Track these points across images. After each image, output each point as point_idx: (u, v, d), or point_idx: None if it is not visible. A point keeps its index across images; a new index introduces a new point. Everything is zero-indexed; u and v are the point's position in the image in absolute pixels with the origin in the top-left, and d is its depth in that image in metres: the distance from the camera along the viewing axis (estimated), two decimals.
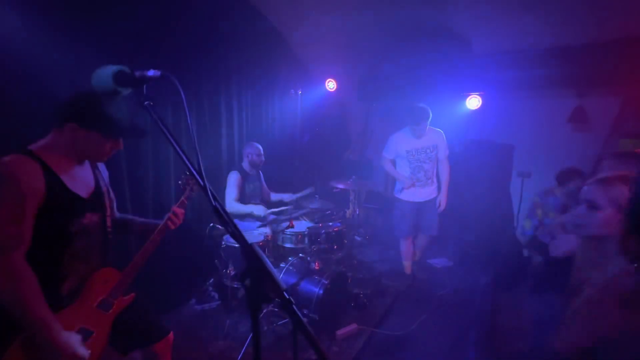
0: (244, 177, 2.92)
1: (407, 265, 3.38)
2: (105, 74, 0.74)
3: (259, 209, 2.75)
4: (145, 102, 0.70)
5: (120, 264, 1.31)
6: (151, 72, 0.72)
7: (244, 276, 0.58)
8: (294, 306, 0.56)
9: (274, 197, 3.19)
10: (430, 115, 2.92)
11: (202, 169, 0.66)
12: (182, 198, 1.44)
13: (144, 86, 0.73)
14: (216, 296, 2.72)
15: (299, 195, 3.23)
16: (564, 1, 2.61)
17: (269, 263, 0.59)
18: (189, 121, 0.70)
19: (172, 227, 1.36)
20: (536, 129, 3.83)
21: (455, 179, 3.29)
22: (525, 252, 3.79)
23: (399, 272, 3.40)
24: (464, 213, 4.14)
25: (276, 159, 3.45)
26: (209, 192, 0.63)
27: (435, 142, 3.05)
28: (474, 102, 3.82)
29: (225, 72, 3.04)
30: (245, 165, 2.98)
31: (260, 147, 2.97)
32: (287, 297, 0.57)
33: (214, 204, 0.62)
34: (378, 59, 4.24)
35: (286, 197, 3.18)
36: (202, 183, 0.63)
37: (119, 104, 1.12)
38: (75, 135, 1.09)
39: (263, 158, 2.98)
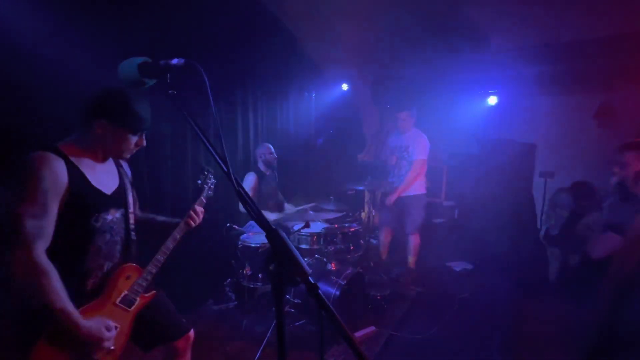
0: (261, 177, 2.95)
1: (382, 251, 3.52)
2: (130, 65, 0.76)
3: (272, 217, 2.75)
4: (170, 91, 0.71)
5: (142, 262, 1.33)
6: (175, 61, 0.73)
7: (268, 261, 0.57)
8: (319, 292, 0.54)
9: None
10: (408, 110, 3.15)
11: (227, 155, 0.65)
12: (202, 197, 1.45)
13: (168, 75, 0.74)
14: (233, 297, 2.72)
15: (299, 209, 3.12)
16: None
17: (293, 248, 0.57)
18: (212, 108, 0.70)
19: (193, 225, 1.37)
20: (559, 127, 3.69)
21: (474, 179, 3.21)
22: (549, 255, 3.63)
23: (417, 276, 3.31)
24: (484, 214, 4.01)
25: (290, 161, 3.47)
26: (232, 177, 0.62)
27: (408, 144, 3.20)
28: (492, 99, 3.73)
29: (241, 75, 3.09)
30: (261, 166, 3.01)
31: (271, 146, 3.00)
32: (313, 282, 0.55)
33: (237, 188, 0.61)
34: (392, 60, 4.22)
35: (287, 208, 3.13)
36: (225, 169, 0.63)
37: (145, 101, 1.15)
38: (104, 131, 1.12)
39: (275, 155, 3.00)
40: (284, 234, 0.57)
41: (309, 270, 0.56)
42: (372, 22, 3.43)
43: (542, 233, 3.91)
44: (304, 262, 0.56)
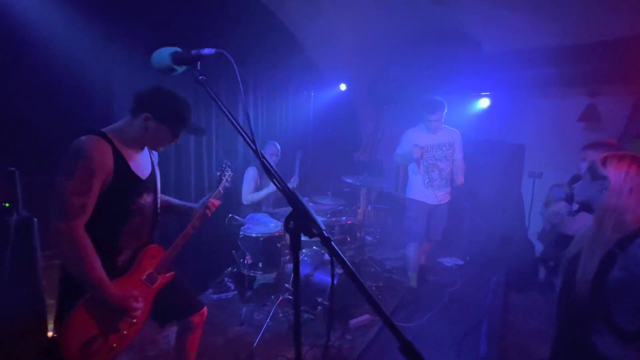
0: (262, 172, 3.05)
1: (412, 276, 3.06)
2: (163, 53, 0.85)
3: (271, 188, 2.90)
4: (200, 77, 0.81)
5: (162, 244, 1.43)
6: (206, 50, 0.82)
7: (288, 219, 0.67)
8: (332, 243, 0.64)
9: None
10: (446, 108, 2.73)
11: (254, 136, 0.75)
12: (219, 188, 1.55)
13: (198, 63, 0.84)
14: (232, 286, 2.81)
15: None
16: (573, 0, 2.68)
17: (311, 209, 0.67)
18: (242, 93, 0.80)
19: (209, 214, 1.49)
20: (546, 129, 3.86)
21: (465, 178, 3.33)
22: (538, 252, 3.79)
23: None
24: (475, 213, 4.17)
25: (289, 159, 3.56)
26: (260, 154, 0.72)
27: (452, 140, 2.84)
28: (484, 101, 3.88)
29: (243, 74, 3.18)
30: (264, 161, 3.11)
31: (277, 146, 3.10)
32: (327, 235, 0.65)
33: (262, 159, 0.71)
34: (388, 61, 4.36)
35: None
36: (253, 147, 0.73)
37: (189, 106, 1.25)
38: (146, 124, 1.21)
39: (277, 157, 3.10)
40: (301, 197, 0.67)
41: (324, 227, 0.66)
42: (369, 24, 3.56)
43: (529, 231, 4.08)
44: (319, 219, 0.66)
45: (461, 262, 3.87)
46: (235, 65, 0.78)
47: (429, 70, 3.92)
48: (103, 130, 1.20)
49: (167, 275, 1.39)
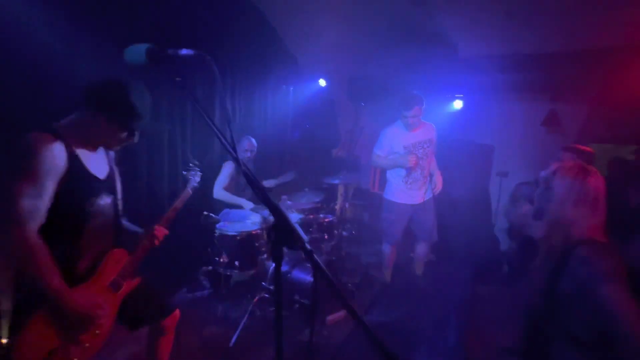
0: (239, 169, 2.98)
1: (387, 273, 3.13)
2: (138, 49, 0.80)
3: (248, 204, 2.80)
4: (178, 79, 0.77)
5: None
6: (184, 51, 0.78)
7: (271, 232, 0.66)
8: (314, 255, 0.64)
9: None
10: (418, 105, 2.63)
11: (235, 142, 0.73)
12: (188, 189, 1.51)
13: (174, 63, 0.79)
14: (208, 285, 2.75)
15: (280, 180, 3.19)
16: (541, 11, 2.82)
17: (292, 220, 0.67)
18: (224, 98, 0.77)
19: (157, 243, 1.40)
20: (514, 131, 4.09)
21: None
22: (503, 247, 4.04)
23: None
24: (446, 210, 4.34)
25: (267, 154, 3.52)
26: (240, 161, 0.70)
27: (430, 136, 2.79)
28: (457, 103, 4.03)
29: (220, 65, 3.07)
30: (241, 156, 3.04)
31: (254, 141, 3.02)
32: (309, 248, 0.65)
33: (244, 169, 0.69)
34: (367, 59, 4.39)
35: (266, 183, 3.15)
36: (234, 154, 0.71)
37: (144, 98, 1.16)
38: (95, 121, 1.13)
39: (254, 153, 3.02)
40: (284, 209, 0.67)
41: (306, 238, 0.66)
42: (349, 21, 3.56)
43: (496, 227, 4.33)
44: (302, 231, 0.66)
45: (433, 257, 4.03)
46: (217, 71, 0.74)
47: (406, 69, 4.00)
48: (54, 125, 1.10)
49: (133, 280, 1.33)
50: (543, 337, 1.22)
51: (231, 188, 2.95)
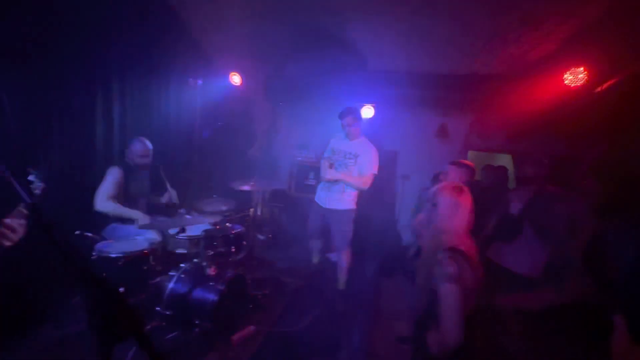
0: (129, 172, 2.54)
1: (315, 258, 3.40)
2: None
3: (143, 219, 2.43)
4: None
5: None
6: None
7: (92, 314, 0.51)
8: (152, 345, 0.52)
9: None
10: (351, 114, 2.79)
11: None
12: (21, 206, 1.15)
13: None
14: (84, 317, 2.28)
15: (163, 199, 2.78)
16: (437, 37, 3.16)
17: (122, 294, 0.53)
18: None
19: (8, 244, 1.08)
20: (414, 139, 4.59)
21: None
22: (404, 242, 4.50)
23: (298, 269, 3.54)
24: (357, 211, 4.61)
25: (170, 155, 3.12)
26: (37, 211, 0.52)
27: (357, 152, 2.85)
28: (368, 111, 4.27)
29: (103, 54, 2.55)
30: (131, 161, 2.59)
31: (149, 145, 2.62)
32: (147, 334, 0.52)
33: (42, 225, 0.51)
34: (284, 59, 4.29)
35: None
36: (28, 200, 0.52)
37: None
38: None
39: (149, 159, 2.64)
40: (108, 279, 0.52)
41: (144, 320, 0.53)
42: (262, 18, 3.39)
43: (399, 223, 4.79)
44: (137, 308, 0.53)
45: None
46: None
47: (322, 75, 4.04)
48: None
49: None
50: (426, 326, 1.43)
51: (119, 198, 2.51)
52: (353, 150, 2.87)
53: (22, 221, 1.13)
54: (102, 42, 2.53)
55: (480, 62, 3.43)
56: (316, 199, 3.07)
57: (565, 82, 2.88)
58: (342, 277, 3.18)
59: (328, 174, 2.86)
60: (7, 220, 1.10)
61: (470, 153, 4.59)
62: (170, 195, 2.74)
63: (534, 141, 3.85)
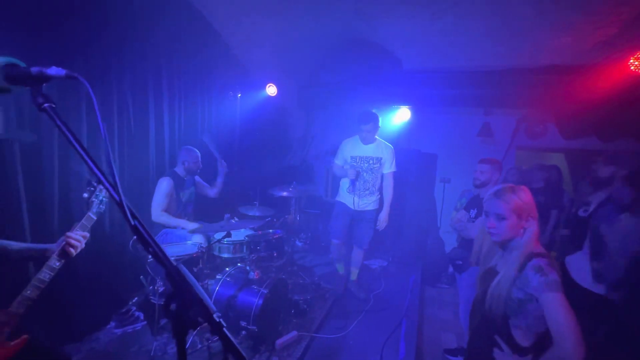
0: (178, 183, 2.71)
1: (340, 266, 3.30)
2: None
3: (189, 225, 2.56)
4: (46, 105, 0.60)
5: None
6: (53, 71, 0.61)
7: (168, 301, 0.53)
8: (225, 329, 0.53)
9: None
10: (374, 121, 2.85)
11: (118, 181, 0.58)
12: (89, 213, 1.26)
13: (43, 86, 0.62)
14: (141, 316, 2.44)
15: (218, 183, 3.07)
16: (474, 33, 3.03)
17: (197, 285, 0.55)
18: (101, 129, 0.61)
19: (73, 253, 1.18)
20: (454, 141, 4.39)
21: None
22: (447, 248, 4.27)
23: (338, 274, 3.49)
24: (396, 216, 4.48)
25: (213, 165, 3.28)
26: (126, 208, 0.56)
27: (380, 155, 2.93)
28: (404, 114, 4.18)
29: (155, 71, 2.78)
30: (180, 170, 2.77)
31: (199, 154, 2.81)
32: (218, 320, 0.53)
33: (132, 222, 0.55)
34: (317, 66, 4.36)
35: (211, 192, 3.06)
36: (117, 199, 0.56)
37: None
38: None
39: (200, 165, 2.83)
40: (185, 270, 0.54)
41: (214, 309, 0.54)
42: (296, 28, 3.48)
43: (441, 230, 4.57)
44: (209, 300, 0.54)
45: (385, 263, 4.12)
46: (90, 89, 0.59)
47: (355, 79, 4.05)
48: None
49: (14, 343, 1.07)
50: (486, 341, 1.28)
51: (171, 207, 2.68)
52: (375, 155, 2.96)
53: (85, 233, 1.24)
54: (155, 65, 2.76)
55: (525, 55, 3.21)
56: (342, 200, 3.09)
57: (631, 67, 2.59)
58: (355, 271, 3.29)
59: (380, 225, 3.05)
60: (71, 234, 1.20)
61: (518, 152, 4.28)
62: (224, 165, 3.04)
63: (596, 137, 3.49)
